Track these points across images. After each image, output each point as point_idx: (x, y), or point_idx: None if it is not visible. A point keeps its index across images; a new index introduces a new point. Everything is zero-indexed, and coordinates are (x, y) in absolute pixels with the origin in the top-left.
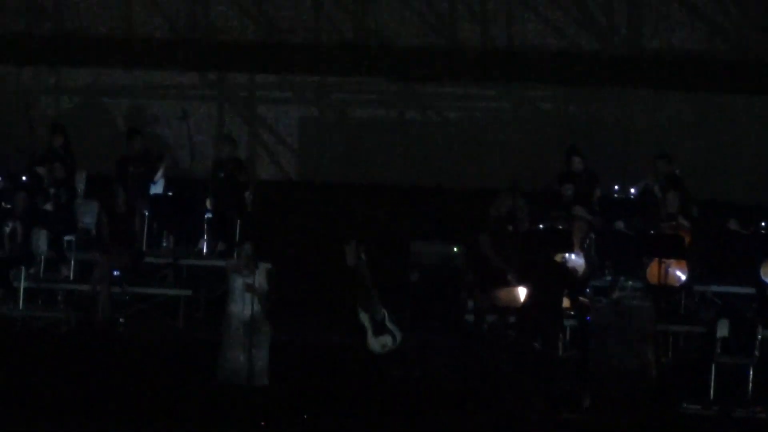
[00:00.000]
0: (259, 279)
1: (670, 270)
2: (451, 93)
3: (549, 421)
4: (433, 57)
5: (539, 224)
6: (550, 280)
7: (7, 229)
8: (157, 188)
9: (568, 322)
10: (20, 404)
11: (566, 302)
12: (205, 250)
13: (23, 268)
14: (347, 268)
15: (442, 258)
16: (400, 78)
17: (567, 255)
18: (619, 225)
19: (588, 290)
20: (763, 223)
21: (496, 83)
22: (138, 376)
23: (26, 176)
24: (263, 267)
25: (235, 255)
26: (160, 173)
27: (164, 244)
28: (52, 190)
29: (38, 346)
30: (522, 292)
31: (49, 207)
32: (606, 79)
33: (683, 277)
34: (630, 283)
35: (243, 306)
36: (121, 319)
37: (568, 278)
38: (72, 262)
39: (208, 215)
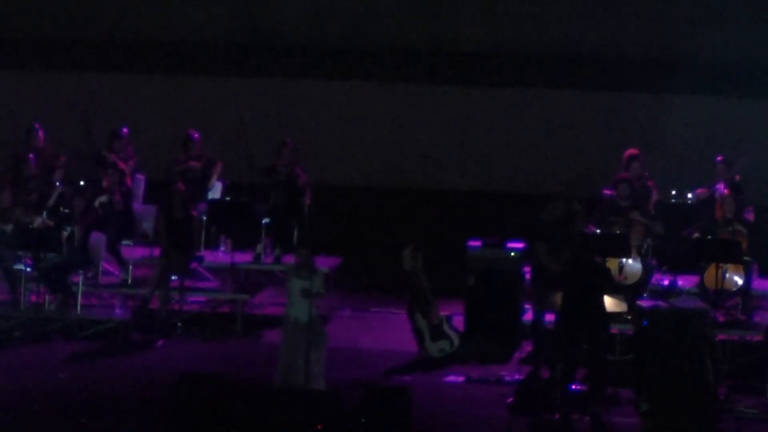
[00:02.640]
0: (317, 284)
1: (728, 275)
2: (506, 98)
3: (605, 426)
4: (494, 61)
5: (596, 229)
6: (588, 283)
7: (66, 234)
8: (214, 193)
9: (624, 327)
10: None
11: (623, 307)
12: (262, 255)
13: (81, 272)
14: (404, 272)
15: (499, 262)
16: (459, 82)
17: (624, 260)
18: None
19: (645, 295)
20: None
21: (553, 88)
22: (195, 380)
23: (84, 181)
24: (320, 272)
25: (293, 260)
26: (215, 178)
27: (222, 248)
28: (106, 197)
29: (96, 350)
30: None
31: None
32: (664, 85)
33: (740, 282)
34: (687, 287)
35: (300, 310)
36: (178, 323)
37: (608, 281)
38: (130, 267)
39: (266, 220)
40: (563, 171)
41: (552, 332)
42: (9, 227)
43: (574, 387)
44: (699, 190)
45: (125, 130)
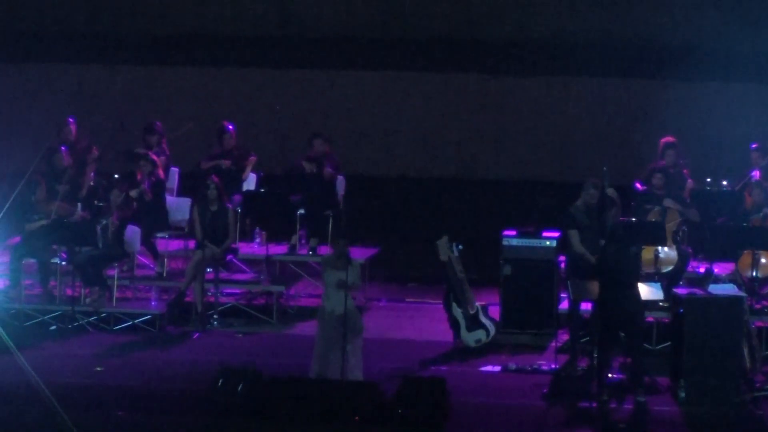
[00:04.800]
0: (353, 275)
1: (763, 261)
2: (541, 86)
3: (643, 412)
4: (527, 50)
5: (631, 217)
6: (624, 272)
7: (101, 226)
8: (248, 185)
9: (660, 315)
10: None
11: (659, 295)
12: (297, 246)
13: (116, 265)
14: (440, 263)
15: (534, 251)
16: (493, 72)
17: (659, 248)
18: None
19: (680, 283)
20: None
21: (587, 76)
22: (232, 372)
23: (120, 174)
24: (356, 263)
25: (329, 251)
26: (249, 170)
27: (257, 240)
28: (137, 190)
29: (131, 343)
30: None
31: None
32: (698, 73)
33: None
34: (722, 275)
35: (336, 301)
36: (214, 316)
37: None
38: (165, 259)
39: (301, 211)
40: (598, 159)
41: (588, 321)
42: (44, 221)
43: (611, 376)
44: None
45: (158, 123)
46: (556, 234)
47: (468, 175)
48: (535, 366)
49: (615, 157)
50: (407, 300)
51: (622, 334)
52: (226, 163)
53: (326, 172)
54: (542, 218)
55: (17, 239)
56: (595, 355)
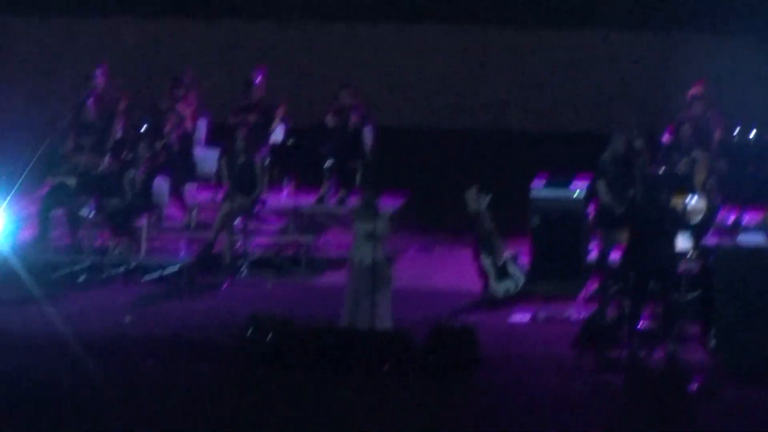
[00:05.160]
0: (382, 225)
1: None
2: (571, 38)
3: (673, 361)
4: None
5: (660, 167)
6: (655, 222)
7: (129, 177)
8: (276, 136)
9: (690, 265)
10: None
11: (689, 245)
12: (326, 197)
13: (145, 215)
14: (469, 213)
15: (563, 201)
16: (523, 23)
17: (688, 198)
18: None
19: (710, 232)
20: None
21: (617, 29)
22: (263, 321)
23: (147, 125)
24: (385, 213)
25: (358, 201)
26: (277, 122)
27: (286, 191)
28: (163, 141)
29: (161, 294)
30: None
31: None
32: (727, 25)
33: None
34: (752, 224)
35: (365, 252)
36: (243, 266)
37: (678, 221)
38: (193, 210)
39: (329, 162)
40: (626, 110)
41: (617, 270)
42: (72, 173)
43: (641, 324)
44: None
45: (187, 73)
46: (585, 184)
47: (498, 127)
48: (565, 315)
49: (643, 108)
50: (436, 250)
51: (653, 283)
52: (250, 121)
53: (353, 121)
54: (571, 168)
55: (45, 190)
56: (624, 303)
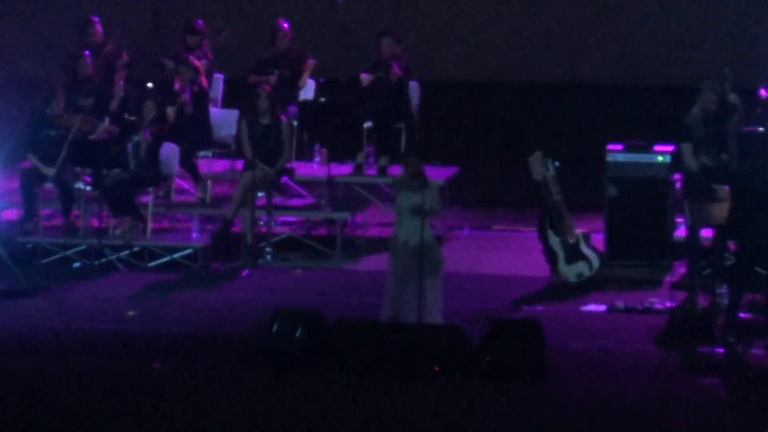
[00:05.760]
0: (430, 199)
1: None
2: None
3: None
4: None
5: (756, 126)
6: (758, 192)
7: (132, 144)
8: (306, 93)
9: None
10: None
11: None
12: (364, 166)
13: (151, 190)
14: (533, 183)
15: (645, 168)
16: None
17: None
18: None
19: None
20: None
21: None
22: (290, 316)
23: (154, 82)
24: (434, 185)
25: (402, 171)
26: (306, 76)
27: (317, 159)
28: (180, 99)
29: (170, 283)
30: None
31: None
32: None
33: None
34: None
35: (411, 231)
36: (267, 249)
37: None
38: (209, 183)
39: (368, 124)
40: (718, 60)
41: (711, 250)
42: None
43: (741, 315)
44: None
45: (200, 22)
46: (671, 148)
47: (566, 79)
48: (648, 304)
49: (738, 57)
50: (494, 228)
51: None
52: (272, 79)
53: (394, 74)
54: (654, 129)
55: (29, 163)
56: (718, 290)
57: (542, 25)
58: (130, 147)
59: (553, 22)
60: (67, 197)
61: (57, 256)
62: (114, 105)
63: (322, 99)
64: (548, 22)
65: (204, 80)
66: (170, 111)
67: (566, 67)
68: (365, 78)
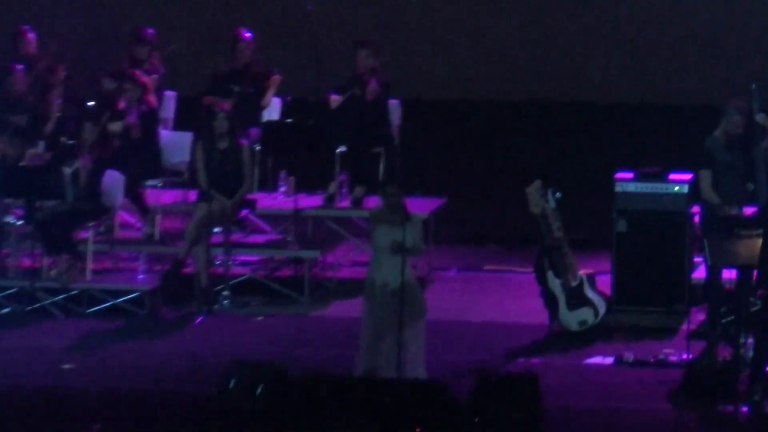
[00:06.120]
0: (412, 235)
1: None
2: None
3: None
4: None
5: None
6: None
7: (70, 172)
8: (270, 114)
9: None
10: None
11: None
12: (336, 197)
13: (91, 225)
14: (531, 217)
15: (659, 200)
16: None
17: None
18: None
19: None
20: None
21: None
22: (249, 370)
23: (95, 101)
24: (417, 219)
25: (379, 203)
26: (270, 94)
27: (282, 189)
28: (121, 123)
29: (112, 331)
30: None
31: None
32: None
33: None
34: None
35: (390, 271)
36: (224, 293)
37: None
38: (157, 217)
39: (341, 148)
40: (744, 75)
41: (734, 294)
42: None
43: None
44: None
45: (149, 30)
46: (689, 176)
47: (565, 98)
48: (661, 357)
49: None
50: (485, 268)
51: None
52: (234, 93)
53: (371, 90)
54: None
55: None
56: (742, 341)
57: (541, 37)
58: (67, 175)
59: (552, 34)
60: None
61: None
62: (49, 127)
63: (289, 120)
64: (547, 34)
65: (152, 98)
66: (114, 132)
67: (568, 84)
68: (334, 100)
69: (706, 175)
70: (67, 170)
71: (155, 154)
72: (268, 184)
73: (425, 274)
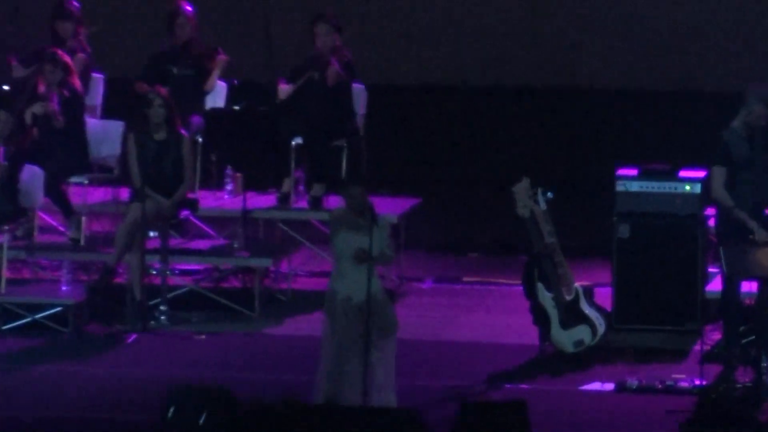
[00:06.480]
0: (380, 241)
1: None
2: None
3: None
4: None
5: None
6: None
7: None
8: (215, 100)
9: None
10: None
11: None
12: (291, 197)
13: (6, 227)
14: (517, 220)
15: (667, 201)
16: None
17: None
18: None
19: None
20: None
21: None
22: (190, 396)
23: (11, 85)
24: (384, 222)
25: (342, 203)
26: (215, 76)
27: (228, 187)
28: (40, 104)
29: (32, 351)
30: None
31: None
32: None
33: None
34: None
35: (354, 283)
36: (162, 306)
37: None
38: (83, 219)
39: (297, 140)
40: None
41: (755, 310)
42: None
43: None
44: None
45: (75, 3)
46: (702, 173)
47: (559, 84)
48: (670, 382)
49: None
50: (465, 280)
51: None
52: (172, 75)
53: (332, 71)
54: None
55: None
56: (765, 363)
57: (530, 14)
58: None
59: (544, 10)
60: None
61: None
62: None
63: (236, 107)
64: (538, 10)
65: (77, 82)
66: (37, 113)
67: (562, 68)
68: (284, 90)
69: (719, 173)
70: None
71: (81, 147)
72: (212, 182)
73: (395, 286)
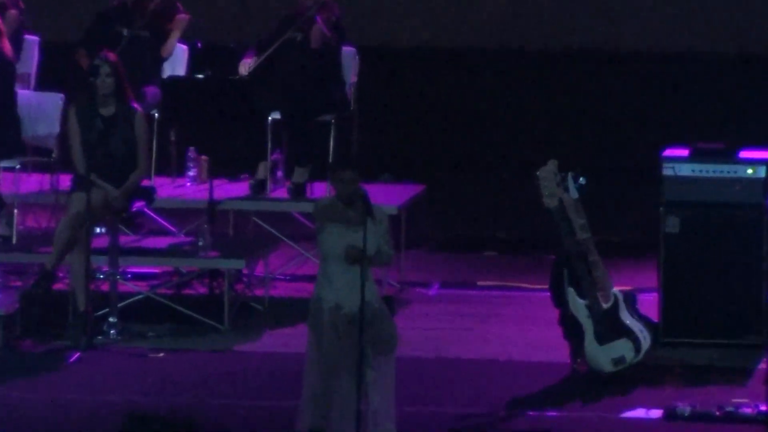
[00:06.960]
0: (376, 237)
1: None
2: None
3: None
4: None
5: None
6: None
7: None
8: (174, 66)
9: None
10: None
11: None
12: (268, 184)
13: None
14: (544, 212)
15: (724, 188)
16: None
17: None
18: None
19: None
20: None
21: None
22: (147, 424)
23: None
24: (381, 214)
25: (328, 192)
26: (174, 39)
27: (191, 173)
28: None
29: None
30: None
31: None
32: None
33: None
34: None
35: (345, 290)
36: (111, 318)
37: None
38: (14, 212)
39: (275, 115)
40: None
41: None
42: None
43: None
44: None
45: None
46: None
47: (592, 46)
48: (730, 408)
49: None
50: (480, 284)
51: None
52: (123, 38)
53: (317, 31)
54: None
55: None
56: None
57: None
58: None
59: None
60: None
61: None
62: None
63: (200, 75)
64: None
65: (7, 45)
66: None
67: (595, 29)
68: (246, 63)
69: None
70: None
71: (11, 124)
72: (171, 166)
73: (395, 292)
